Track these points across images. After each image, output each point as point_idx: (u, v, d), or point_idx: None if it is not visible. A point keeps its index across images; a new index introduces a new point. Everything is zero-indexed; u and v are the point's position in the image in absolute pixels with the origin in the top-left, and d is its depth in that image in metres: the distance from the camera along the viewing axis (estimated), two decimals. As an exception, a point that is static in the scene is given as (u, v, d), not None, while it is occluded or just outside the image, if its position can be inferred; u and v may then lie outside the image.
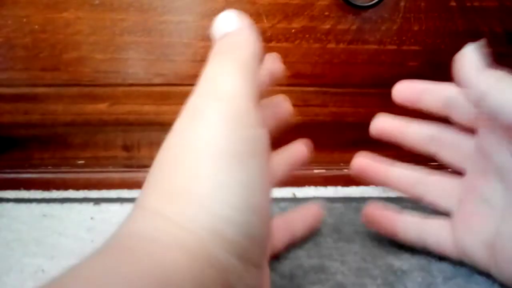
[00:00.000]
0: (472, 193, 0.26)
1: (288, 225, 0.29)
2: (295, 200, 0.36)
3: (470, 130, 0.27)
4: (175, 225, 0.17)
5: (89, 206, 0.36)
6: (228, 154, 0.18)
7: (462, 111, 0.27)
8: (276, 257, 0.28)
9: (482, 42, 0.25)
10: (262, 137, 0.20)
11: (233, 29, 0.23)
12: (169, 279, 0.15)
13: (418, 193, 0.28)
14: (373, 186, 0.32)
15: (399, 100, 0.29)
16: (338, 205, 0.35)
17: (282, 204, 0.35)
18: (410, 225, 0.28)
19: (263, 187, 0.19)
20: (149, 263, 0.15)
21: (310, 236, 0.30)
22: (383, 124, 0.30)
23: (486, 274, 0.25)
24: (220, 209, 0.17)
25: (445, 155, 0.28)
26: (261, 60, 0.22)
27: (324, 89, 0.38)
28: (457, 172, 0.28)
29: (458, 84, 0.25)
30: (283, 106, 0.28)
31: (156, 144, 0.41)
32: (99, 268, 0.15)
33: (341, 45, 0.36)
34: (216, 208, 0.17)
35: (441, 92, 0.28)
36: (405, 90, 0.29)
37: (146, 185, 0.19)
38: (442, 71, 0.37)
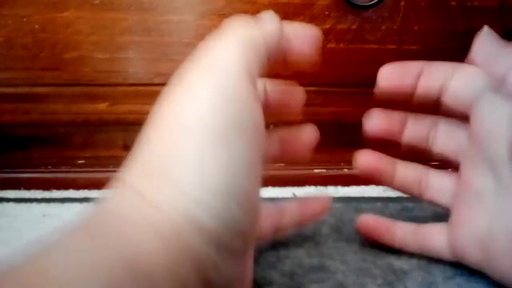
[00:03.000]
0: (465, 188, 0.25)
1: (279, 213, 0.27)
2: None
3: (464, 118, 0.25)
4: (150, 206, 0.16)
5: (90, 206, 0.36)
6: (213, 132, 0.17)
7: (457, 95, 0.25)
8: (261, 244, 0.27)
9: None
10: (254, 118, 0.18)
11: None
12: (139, 264, 0.14)
13: (418, 192, 0.28)
14: (375, 185, 0.32)
15: (387, 87, 0.26)
16: (338, 205, 0.35)
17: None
18: (406, 233, 0.27)
19: (249, 172, 0.17)
20: (119, 246, 0.14)
21: (310, 236, 0.30)
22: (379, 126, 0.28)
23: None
24: (197, 193, 0.16)
25: (439, 146, 0.27)
26: (273, 47, 0.21)
27: (324, 88, 0.38)
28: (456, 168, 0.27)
29: (477, 64, 0.24)
30: (295, 97, 0.26)
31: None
32: (67, 249, 0.14)
33: (341, 45, 0.36)
34: (193, 192, 0.16)
35: (440, 71, 0.25)
36: (396, 75, 0.26)
37: (131, 158, 0.18)
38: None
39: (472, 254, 0.25)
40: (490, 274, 0.24)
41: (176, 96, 0.18)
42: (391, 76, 0.26)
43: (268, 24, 0.21)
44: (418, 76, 0.26)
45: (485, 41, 0.24)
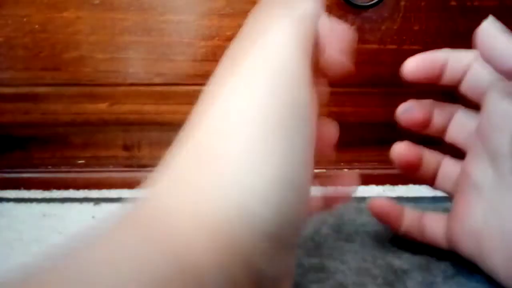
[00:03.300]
0: (465, 179, 0.25)
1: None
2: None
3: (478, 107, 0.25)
4: (200, 198, 0.15)
5: (90, 206, 0.36)
6: (271, 120, 0.16)
7: (472, 84, 0.25)
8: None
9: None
10: (311, 104, 0.18)
11: None
12: (188, 260, 0.14)
13: (431, 178, 0.28)
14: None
15: (416, 77, 0.26)
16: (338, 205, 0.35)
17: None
18: (411, 220, 0.28)
19: (304, 160, 0.17)
20: (167, 242, 0.14)
21: (310, 236, 0.30)
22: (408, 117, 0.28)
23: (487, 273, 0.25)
24: (252, 182, 0.15)
25: (451, 133, 0.27)
26: (319, 16, 0.20)
27: (324, 88, 0.38)
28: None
29: (485, 57, 0.22)
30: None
31: (156, 144, 0.41)
32: (113, 243, 0.13)
33: (341, 45, 0.36)
34: (248, 181, 0.15)
35: (462, 61, 0.25)
36: (423, 67, 0.26)
37: (179, 140, 0.17)
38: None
39: (465, 246, 0.25)
40: (481, 267, 0.24)
41: (231, 82, 0.17)
42: (418, 68, 0.26)
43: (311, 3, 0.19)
44: (444, 66, 0.26)
45: (489, 34, 0.22)
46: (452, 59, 0.26)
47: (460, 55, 0.26)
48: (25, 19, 0.35)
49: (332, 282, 0.26)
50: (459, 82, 0.26)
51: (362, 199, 0.37)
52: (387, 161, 0.29)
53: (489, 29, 0.22)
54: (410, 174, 0.28)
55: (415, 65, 0.26)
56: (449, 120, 0.28)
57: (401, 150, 0.28)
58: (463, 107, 0.27)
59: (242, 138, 0.16)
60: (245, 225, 0.15)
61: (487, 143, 0.24)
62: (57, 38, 0.35)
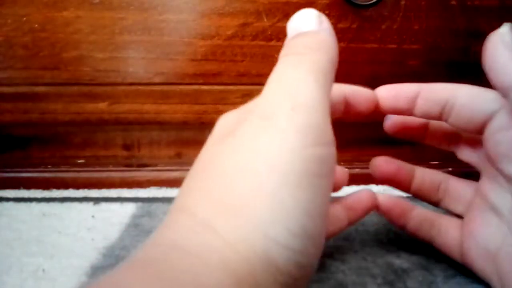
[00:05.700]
0: (481, 199, 0.25)
1: (346, 211, 0.27)
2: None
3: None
4: (224, 243, 0.16)
5: (89, 205, 0.36)
6: (296, 172, 0.16)
7: (464, 118, 0.24)
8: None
9: None
10: (332, 157, 0.18)
11: (310, 29, 0.21)
12: None
13: (436, 198, 0.28)
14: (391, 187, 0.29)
15: (386, 109, 0.26)
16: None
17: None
18: (421, 219, 0.27)
19: (323, 212, 0.17)
20: (189, 283, 0.14)
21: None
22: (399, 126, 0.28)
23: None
24: (276, 233, 0.16)
25: (462, 154, 0.27)
26: (335, 66, 0.20)
27: (324, 88, 0.38)
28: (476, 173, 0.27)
29: (485, 68, 0.21)
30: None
31: (156, 143, 0.41)
32: (134, 283, 0.13)
33: (342, 44, 0.36)
34: (272, 231, 0.16)
35: (439, 93, 0.24)
36: (393, 96, 0.26)
37: (194, 185, 0.18)
38: (442, 70, 0.37)
39: (481, 266, 0.24)
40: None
41: (257, 130, 0.18)
42: (387, 98, 0.26)
43: (328, 49, 0.20)
44: (415, 98, 0.25)
45: (495, 46, 0.21)
46: (427, 91, 0.25)
47: (436, 88, 0.25)
48: (24, 18, 0.35)
49: (332, 281, 0.26)
50: (438, 115, 0.25)
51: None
52: (387, 161, 0.29)
53: (498, 40, 0.21)
54: (399, 188, 0.28)
55: (384, 95, 0.26)
56: (450, 136, 0.27)
57: (377, 162, 0.28)
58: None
59: (270, 186, 0.16)
60: (267, 276, 0.15)
61: (500, 169, 0.23)
62: (57, 38, 0.35)
